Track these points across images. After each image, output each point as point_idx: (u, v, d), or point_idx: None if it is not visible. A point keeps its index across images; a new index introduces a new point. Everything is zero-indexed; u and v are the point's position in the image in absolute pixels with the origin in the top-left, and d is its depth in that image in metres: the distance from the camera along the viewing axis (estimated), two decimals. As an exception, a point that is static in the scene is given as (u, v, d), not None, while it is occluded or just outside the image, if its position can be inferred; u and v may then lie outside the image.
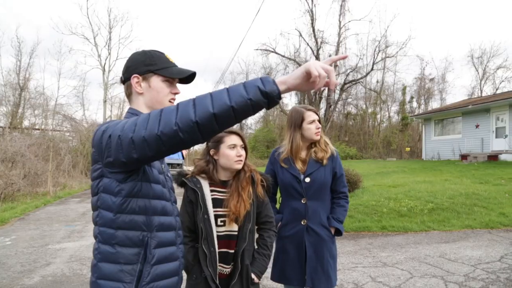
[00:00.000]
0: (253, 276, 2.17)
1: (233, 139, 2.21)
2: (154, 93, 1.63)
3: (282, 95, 1.30)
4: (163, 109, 1.28)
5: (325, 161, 2.64)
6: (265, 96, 1.24)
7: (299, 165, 2.66)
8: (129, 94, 1.67)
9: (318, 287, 2.58)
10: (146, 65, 1.61)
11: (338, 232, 2.68)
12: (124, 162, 1.34)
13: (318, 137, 2.68)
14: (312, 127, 2.66)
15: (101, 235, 1.49)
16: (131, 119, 1.34)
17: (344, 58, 1.47)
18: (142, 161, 1.34)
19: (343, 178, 2.76)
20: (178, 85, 1.73)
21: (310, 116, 2.67)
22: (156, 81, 1.63)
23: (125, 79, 1.65)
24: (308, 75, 1.27)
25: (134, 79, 1.62)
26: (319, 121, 2.70)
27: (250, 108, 1.24)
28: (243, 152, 2.23)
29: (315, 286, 2.58)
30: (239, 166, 2.22)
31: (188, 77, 1.67)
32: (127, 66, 1.65)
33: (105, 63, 33.59)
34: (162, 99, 1.64)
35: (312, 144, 2.72)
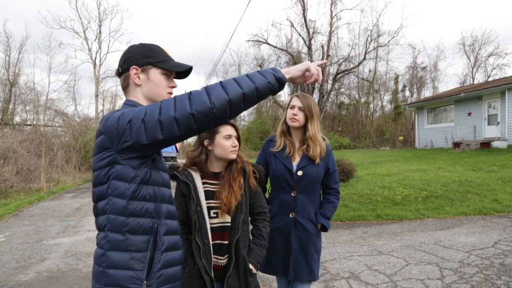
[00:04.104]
0: (250, 266, 2.17)
1: (228, 130, 2.21)
2: (153, 85, 1.64)
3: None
4: (191, 91, 1.41)
5: (317, 160, 2.60)
6: (278, 81, 1.49)
7: (290, 149, 2.64)
8: (126, 85, 1.66)
9: (300, 279, 2.60)
10: (145, 57, 1.62)
11: (324, 228, 2.68)
12: (144, 145, 1.40)
13: (293, 123, 2.62)
14: (289, 112, 2.66)
15: (110, 223, 1.48)
16: (151, 105, 1.43)
17: (324, 63, 1.82)
18: (166, 142, 1.40)
19: (335, 174, 2.74)
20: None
21: (292, 100, 2.68)
22: (155, 74, 1.64)
23: (123, 71, 1.64)
24: (307, 71, 1.61)
25: (133, 71, 1.62)
26: (302, 109, 2.60)
27: (268, 91, 1.47)
28: (237, 143, 2.23)
29: (298, 278, 2.60)
30: (234, 156, 2.22)
31: (184, 72, 1.70)
32: (125, 58, 1.64)
33: (95, 57, 33.30)
34: (160, 91, 1.66)
35: (305, 140, 2.65)
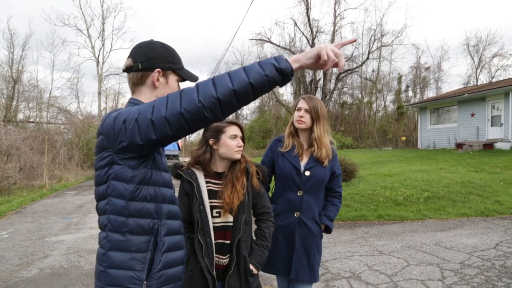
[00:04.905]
0: (251, 267, 2.18)
1: (234, 130, 2.22)
2: (169, 90, 1.64)
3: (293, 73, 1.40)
4: (183, 89, 1.36)
5: (325, 163, 2.62)
6: (280, 73, 1.33)
7: (298, 149, 2.65)
8: (140, 83, 1.63)
9: (302, 279, 2.60)
10: (169, 62, 1.63)
11: (327, 230, 2.70)
12: (140, 145, 1.38)
13: (299, 125, 2.65)
14: (296, 114, 2.68)
15: (111, 224, 1.49)
16: (145, 104, 1.39)
17: (353, 41, 1.55)
18: (160, 142, 1.37)
19: (339, 178, 2.77)
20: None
21: (299, 103, 2.70)
22: (173, 80, 1.65)
23: (143, 68, 1.60)
24: (319, 56, 1.39)
25: (157, 73, 1.60)
26: (308, 111, 2.62)
27: (266, 84, 1.33)
28: (242, 143, 2.25)
29: (299, 278, 2.60)
30: (239, 156, 2.23)
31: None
32: (149, 56, 1.60)
33: (99, 55, 33.40)
34: None
35: (313, 141, 2.65)
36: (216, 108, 1.30)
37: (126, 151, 1.42)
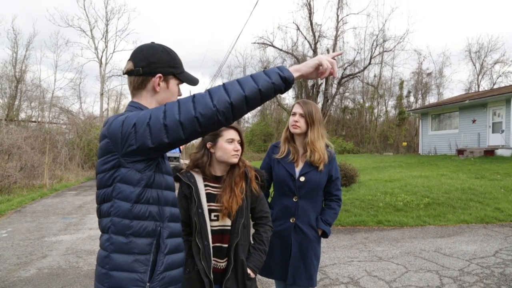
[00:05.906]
0: (249, 271, 2.18)
1: (231, 134, 2.22)
2: (169, 94, 1.66)
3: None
4: (194, 95, 1.42)
5: (320, 167, 2.60)
6: (284, 81, 1.46)
7: (293, 155, 2.65)
8: (140, 87, 1.63)
9: (298, 284, 2.60)
10: (170, 66, 1.64)
11: (325, 234, 2.69)
12: (150, 148, 1.41)
13: (294, 130, 2.65)
14: (291, 119, 2.69)
15: (115, 226, 1.50)
16: (154, 108, 1.44)
17: (339, 54, 1.74)
18: (171, 145, 1.41)
19: (338, 182, 2.75)
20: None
21: (294, 107, 2.71)
22: (173, 84, 1.67)
23: (144, 73, 1.60)
24: (319, 66, 1.55)
25: (158, 78, 1.61)
26: (303, 115, 2.62)
27: (272, 91, 1.44)
28: (240, 147, 2.24)
29: (296, 284, 2.60)
30: (236, 160, 2.23)
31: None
32: (150, 61, 1.60)
33: (102, 56, 33.46)
34: (173, 100, 1.66)
35: (306, 146, 2.65)
36: (229, 113, 1.38)
37: (134, 155, 1.44)
